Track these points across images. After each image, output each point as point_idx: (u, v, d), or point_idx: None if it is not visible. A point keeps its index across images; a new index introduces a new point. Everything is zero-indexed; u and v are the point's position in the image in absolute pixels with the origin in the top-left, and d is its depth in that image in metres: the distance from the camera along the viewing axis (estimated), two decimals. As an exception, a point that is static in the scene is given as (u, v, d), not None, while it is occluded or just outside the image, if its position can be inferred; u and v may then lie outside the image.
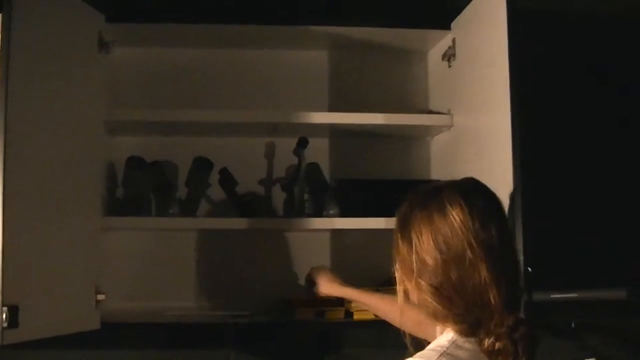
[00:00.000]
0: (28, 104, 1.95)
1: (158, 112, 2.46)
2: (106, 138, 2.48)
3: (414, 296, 1.49)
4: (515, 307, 1.43)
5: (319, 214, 2.52)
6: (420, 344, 1.50)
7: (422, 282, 1.44)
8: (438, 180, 1.57)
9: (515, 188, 1.91)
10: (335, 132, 2.65)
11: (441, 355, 1.42)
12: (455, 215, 1.42)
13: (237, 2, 2.62)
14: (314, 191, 2.54)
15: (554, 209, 2.56)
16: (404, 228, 1.49)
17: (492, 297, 1.40)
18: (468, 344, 1.44)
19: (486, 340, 1.39)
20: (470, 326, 1.43)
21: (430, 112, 2.71)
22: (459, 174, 2.35)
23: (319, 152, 2.64)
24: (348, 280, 2.19)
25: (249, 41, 2.65)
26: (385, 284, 2.36)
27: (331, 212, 2.50)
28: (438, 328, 1.56)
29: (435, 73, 2.73)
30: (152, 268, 2.62)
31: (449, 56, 2.51)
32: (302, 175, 2.53)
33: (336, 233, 2.67)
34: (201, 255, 2.65)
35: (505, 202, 1.83)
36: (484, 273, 1.40)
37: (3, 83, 1.86)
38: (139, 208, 2.51)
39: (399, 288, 1.52)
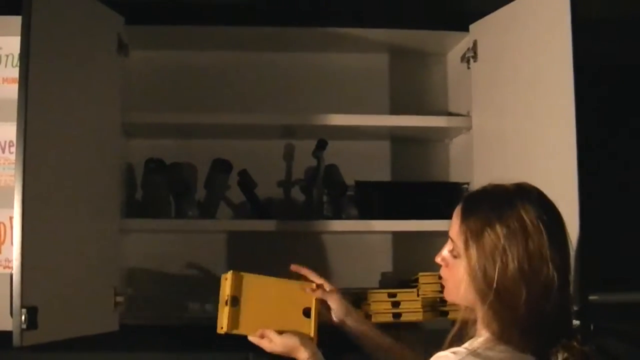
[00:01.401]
0: (47, 106, 1.96)
1: (179, 114, 2.46)
2: (124, 140, 2.49)
3: (476, 310, 1.48)
4: (571, 332, 1.45)
5: (337, 216, 2.51)
6: None
7: (499, 306, 1.42)
8: (500, 185, 1.52)
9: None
10: (354, 134, 2.64)
11: (470, 353, 1.42)
12: (538, 238, 1.41)
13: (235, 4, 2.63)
14: (332, 193, 2.54)
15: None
16: (481, 246, 1.45)
17: (564, 320, 1.44)
18: (502, 345, 1.43)
19: None
20: (532, 353, 1.43)
21: (449, 114, 2.70)
22: (479, 176, 2.38)
23: (338, 154, 2.61)
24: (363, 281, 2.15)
25: (256, 43, 2.66)
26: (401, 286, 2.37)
27: (350, 214, 2.50)
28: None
29: (454, 75, 2.72)
30: (171, 270, 2.62)
31: (468, 58, 2.50)
32: (320, 177, 2.52)
33: (356, 234, 2.65)
34: (220, 258, 2.64)
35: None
36: (555, 298, 1.40)
37: (22, 85, 1.87)
38: (157, 210, 2.51)
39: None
